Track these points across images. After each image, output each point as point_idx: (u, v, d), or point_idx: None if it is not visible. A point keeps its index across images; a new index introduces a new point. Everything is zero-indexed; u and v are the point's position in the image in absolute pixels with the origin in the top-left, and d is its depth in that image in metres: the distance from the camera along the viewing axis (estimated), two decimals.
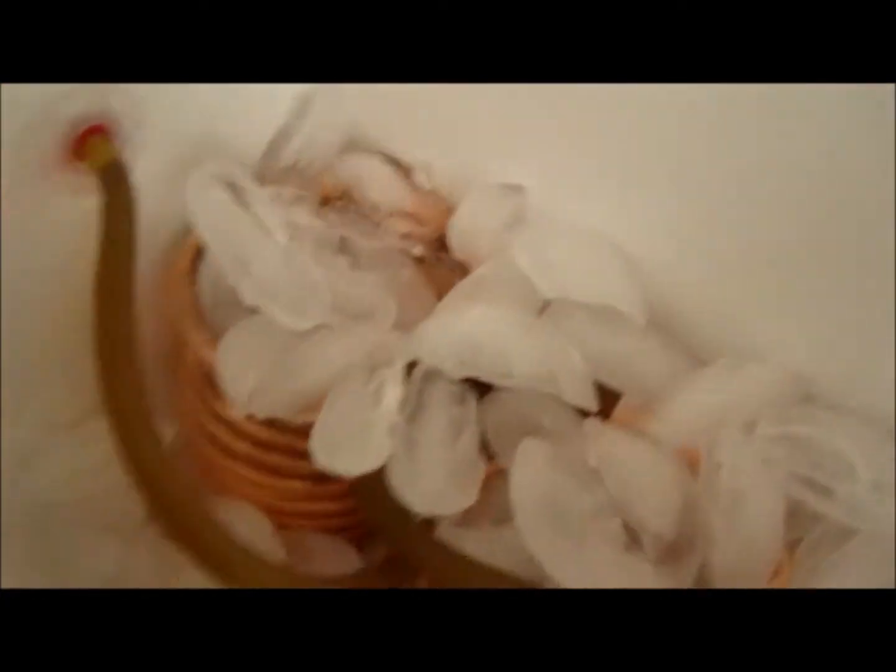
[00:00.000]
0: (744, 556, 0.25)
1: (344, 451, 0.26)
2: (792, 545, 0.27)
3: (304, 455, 0.31)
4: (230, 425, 0.33)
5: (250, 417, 0.30)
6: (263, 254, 0.30)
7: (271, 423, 0.32)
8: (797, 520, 0.26)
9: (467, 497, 0.25)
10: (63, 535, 0.34)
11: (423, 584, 0.27)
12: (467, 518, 0.27)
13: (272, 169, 0.36)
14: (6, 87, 0.27)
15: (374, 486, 0.26)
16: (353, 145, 0.37)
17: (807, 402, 0.28)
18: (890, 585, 0.25)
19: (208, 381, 0.33)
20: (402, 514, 0.25)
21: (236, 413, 0.30)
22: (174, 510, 0.23)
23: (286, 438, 0.32)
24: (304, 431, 0.28)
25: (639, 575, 0.25)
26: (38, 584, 0.29)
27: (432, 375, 0.28)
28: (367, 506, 0.26)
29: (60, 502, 0.33)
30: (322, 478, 0.33)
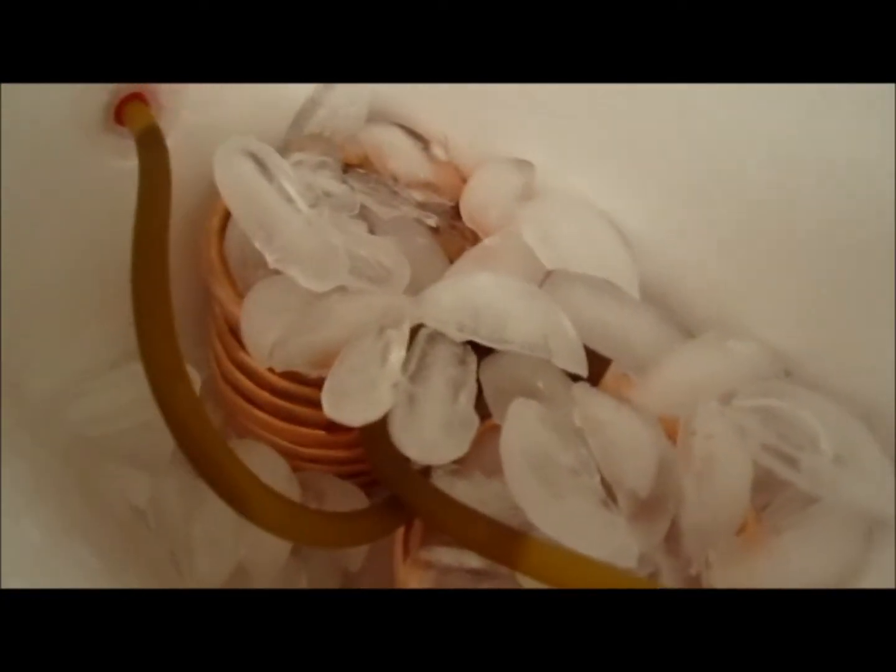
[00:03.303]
0: (711, 517, 0.27)
1: (349, 402, 0.28)
2: (760, 508, 0.29)
3: (319, 405, 0.34)
4: (252, 375, 0.35)
5: (270, 369, 0.33)
6: (286, 221, 0.31)
7: (290, 375, 0.33)
8: (766, 485, 0.28)
9: (459, 448, 0.27)
10: (97, 470, 0.37)
11: (418, 525, 0.30)
12: (461, 469, 0.29)
13: (298, 136, 0.38)
14: None
15: (377, 435, 0.28)
16: (375, 116, 0.39)
17: (785, 378, 0.30)
18: (849, 549, 0.27)
19: (233, 334, 0.35)
20: (400, 461, 0.27)
21: (258, 365, 0.33)
22: (201, 447, 0.24)
23: (303, 390, 0.34)
24: (319, 384, 0.30)
25: (612, 528, 0.27)
26: (74, 513, 0.30)
27: (436, 337, 0.30)
28: (370, 453, 0.29)
29: (96, 438, 0.36)
30: (336, 427, 0.36)
